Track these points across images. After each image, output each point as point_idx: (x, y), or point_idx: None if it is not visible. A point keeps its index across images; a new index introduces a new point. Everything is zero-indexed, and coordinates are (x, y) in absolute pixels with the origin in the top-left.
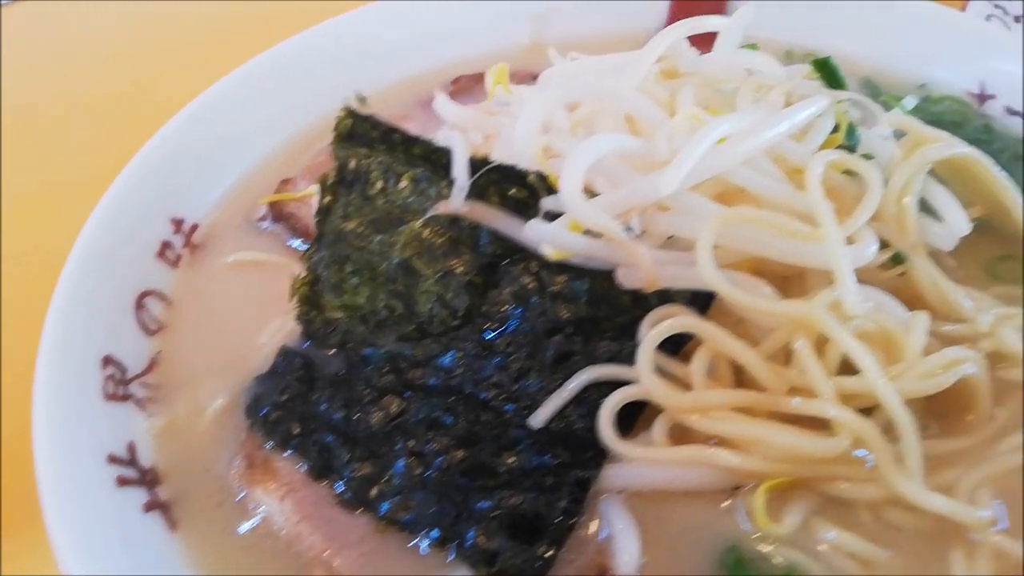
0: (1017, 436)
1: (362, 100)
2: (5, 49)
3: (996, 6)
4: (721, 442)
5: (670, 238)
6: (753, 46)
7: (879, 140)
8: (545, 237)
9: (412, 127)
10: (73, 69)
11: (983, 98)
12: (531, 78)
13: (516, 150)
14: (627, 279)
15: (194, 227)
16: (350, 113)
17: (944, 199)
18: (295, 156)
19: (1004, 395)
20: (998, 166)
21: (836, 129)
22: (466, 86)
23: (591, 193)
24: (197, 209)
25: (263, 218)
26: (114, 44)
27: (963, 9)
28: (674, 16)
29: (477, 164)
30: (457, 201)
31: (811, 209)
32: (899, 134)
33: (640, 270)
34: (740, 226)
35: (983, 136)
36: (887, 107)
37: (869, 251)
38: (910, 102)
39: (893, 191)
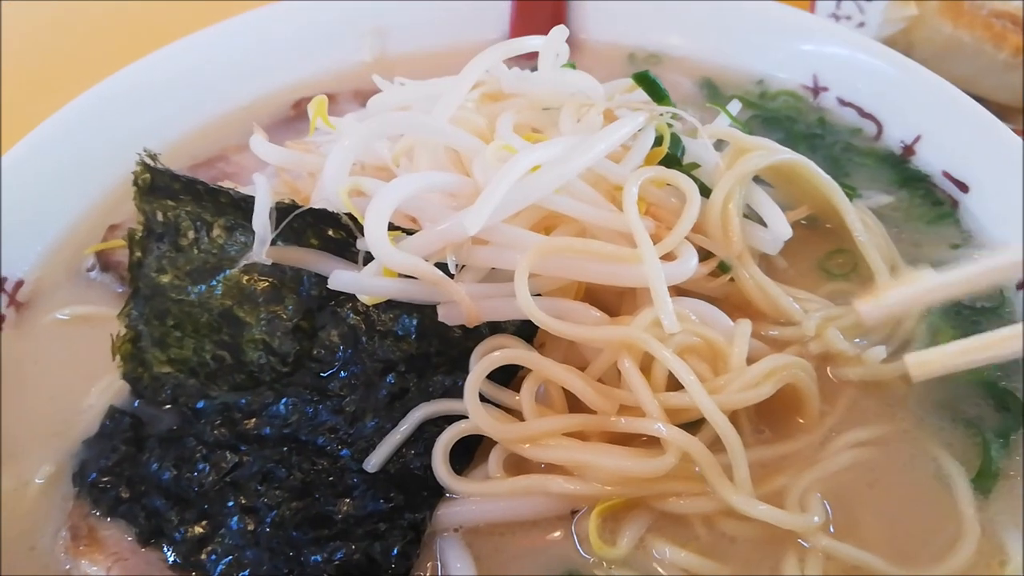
0: (846, 435)
1: (153, 156)
2: None
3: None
4: (555, 468)
5: (493, 269)
6: (572, 65)
7: (704, 149)
8: (352, 287)
9: (231, 167)
10: None
11: (817, 91)
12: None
13: (326, 193)
14: (448, 316)
15: (19, 284)
16: (147, 167)
17: (767, 205)
18: (121, 200)
19: (834, 394)
20: (831, 159)
21: (660, 142)
22: (306, 109)
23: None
24: (21, 265)
25: (91, 268)
26: None
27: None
28: (515, 17)
29: (286, 210)
30: (258, 253)
31: (630, 229)
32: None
33: (460, 307)
34: (557, 256)
35: (817, 130)
36: (720, 107)
37: (688, 267)
38: (735, 107)
39: (716, 202)
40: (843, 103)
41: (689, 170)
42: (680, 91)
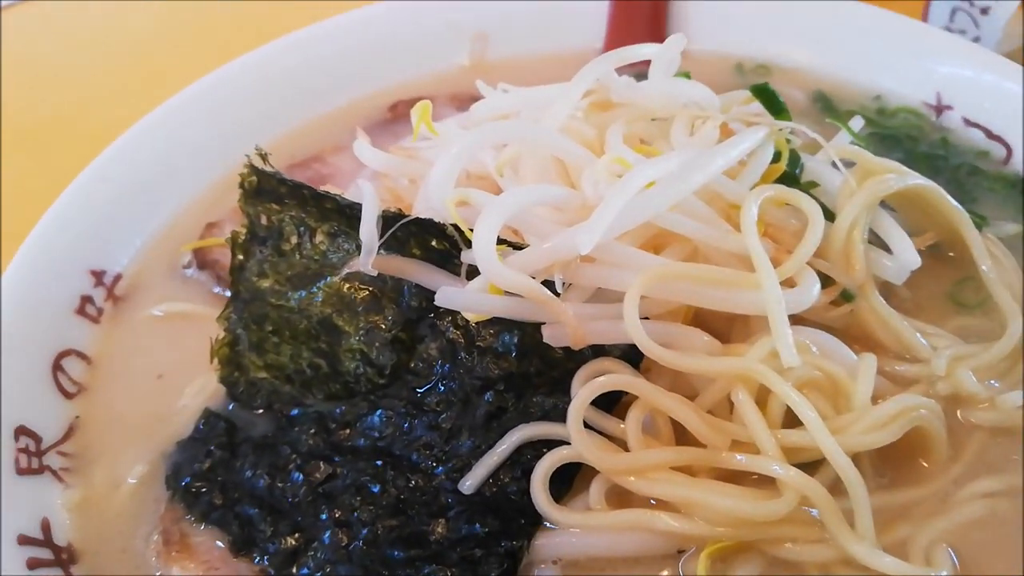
0: (976, 484)
1: (263, 156)
2: None
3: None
4: (661, 504)
5: (599, 288)
6: (686, 74)
7: (824, 167)
8: (459, 304)
9: (328, 168)
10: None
11: (940, 109)
12: (472, 101)
13: (431, 202)
14: (553, 337)
15: (117, 278)
16: (254, 170)
17: (894, 232)
18: (220, 198)
19: (963, 438)
20: (955, 182)
21: (778, 158)
22: (403, 112)
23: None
24: (119, 259)
25: (188, 265)
26: (37, 73)
27: (926, 7)
28: (613, 19)
29: (392, 218)
30: (365, 264)
31: (746, 254)
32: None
33: (566, 328)
34: (670, 280)
35: (939, 151)
36: (841, 123)
37: (810, 295)
38: (857, 123)
39: (841, 228)
40: (969, 123)
41: (808, 189)
42: (792, 105)
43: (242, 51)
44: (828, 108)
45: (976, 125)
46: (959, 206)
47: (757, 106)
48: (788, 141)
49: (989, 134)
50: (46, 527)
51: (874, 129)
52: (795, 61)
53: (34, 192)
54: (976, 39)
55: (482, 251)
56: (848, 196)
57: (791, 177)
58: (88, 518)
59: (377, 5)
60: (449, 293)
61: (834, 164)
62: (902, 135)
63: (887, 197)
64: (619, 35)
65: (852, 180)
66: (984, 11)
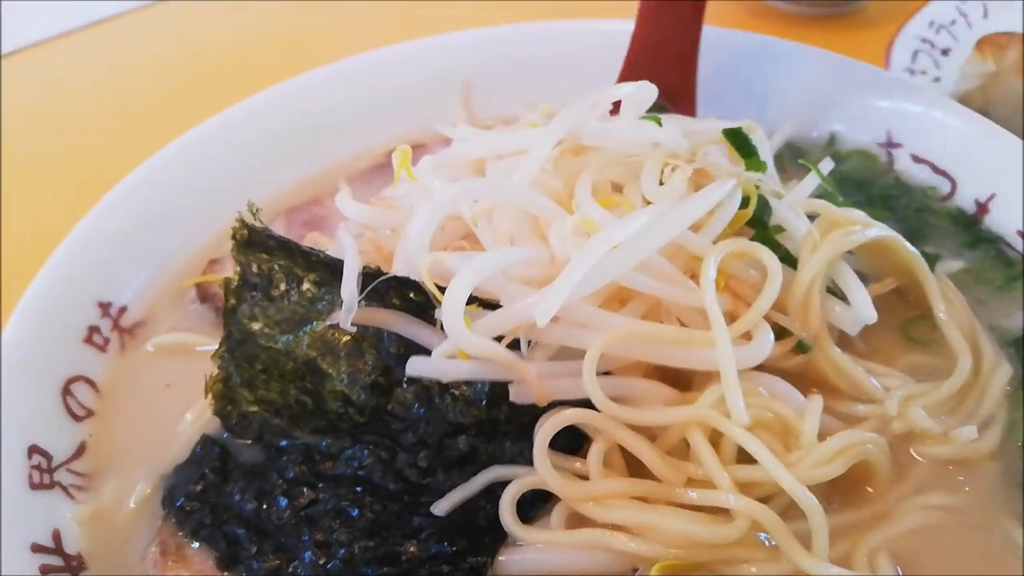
0: (916, 499)
1: (254, 212)
2: None
3: (924, 40)
4: (619, 527)
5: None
6: (657, 119)
7: (791, 212)
8: (430, 372)
9: (325, 211)
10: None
11: (891, 146)
12: None
13: (408, 261)
14: (519, 396)
15: (122, 310)
16: (244, 224)
17: (853, 285)
18: (223, 236)
19: (908, 469)
20: (905, 220)
21: (746, 204)
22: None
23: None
24: (125, 291)
25: (193, 300)
26: (48, 113)
27: (888, 49)
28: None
29: (372, 275)
30: (344, 320)
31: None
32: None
33: (530, 388)
34: (628, 339)
35: (893, 192)
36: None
37: (763, 350)
38: (827, 165)
39: (802, 283)
40: (917, 159)
41: (775, 233)
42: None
43: (246, 95)
44: (798, 156)
45: (924, 161)
46: (917, 253)
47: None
48: (757, 187)
49: (935, 169)
50: (56, 537)
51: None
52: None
53: (42, 230)
54: (937, 79)
55: (450, 320)
56: (811, 250)
57: (759, 221)
58: (96, 531)
59: (379, 51)
60: (420, 363)
61: (801, 213)
62: (856, 179)
63: (855, 248)
64: (648, 33)
65: (815, 233)
66: (945, 52)
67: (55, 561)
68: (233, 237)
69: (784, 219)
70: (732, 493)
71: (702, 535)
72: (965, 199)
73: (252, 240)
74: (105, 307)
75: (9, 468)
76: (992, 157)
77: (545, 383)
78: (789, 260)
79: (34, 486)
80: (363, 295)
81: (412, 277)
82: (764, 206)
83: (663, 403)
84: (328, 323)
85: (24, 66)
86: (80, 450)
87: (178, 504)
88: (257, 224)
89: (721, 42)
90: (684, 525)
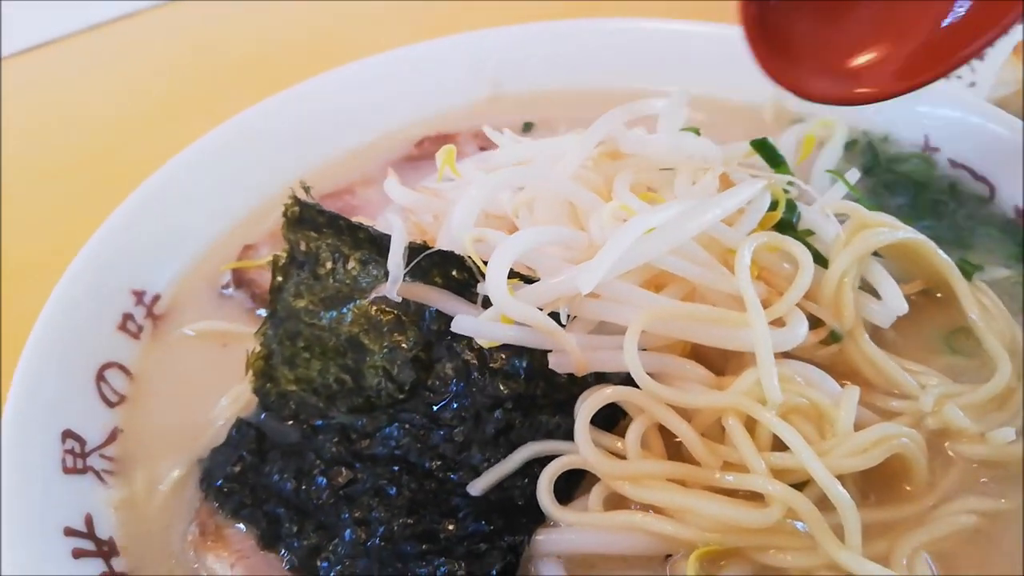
0: (957, 502)
1: (307, 189)
2: None
3: None
4: (655, 510)
5: (602, 322)
6: (695, 130)
7: (820, 216)
8: (473, 331)
9: (357, 199)
10: (42, 136)
11: (929, 150)
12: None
13: (453, 237)
14: (558, 365)
15: (156, 298)
16: (297, 201)
17: (883, 280)
18: (257, 222)
19: (948, 467)
20: (955, 227)
21: (775, 207)
22: (428, 149)
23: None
24: (159, 280)
25: (227, 285)
26: (83, 112)
27: None
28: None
29: (417, 249)
30: (391, 290)
31: (740, 295)
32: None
33: (570, 356)
34: (666, 317)
35: (945, 197)
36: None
37: (797, 335)
38: (854, 176)
39: (833, 276)
40: (955, 164)
41: (804, 236)
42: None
43: (258, 95)
44: (873, 152)
45: (962, 166)
46: (947, 258)
47: (759, 159)
48: (786, 191)
49: (974, 175)
50: (89, 522)
51: (887, 175)
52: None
53: (77, 220)
54: (972, 84)
55: (494, 284)
56: (840, 248)
57: (788, 224)
58: (129, 516)
59: (402, 49)
60: (464, 321)
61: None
62: (913, 180)
63: (881, 249)
64: None
65: (843, 233)
66: (980, 57)
67: (87, 545)
68: (284, 214)
69: (813, 223)
70: (768, 479)
71: (739, 518)
72: (1005, 204)
73: (302, 217)
74: (139, 295)
75: (45, 452)
76: None
77: (584, 354)
78: (820, 261)
79: (67, 470)
80: (408, 269)
81: (456, 253)
82: (792, 209)
83: (699, 383)
84: (373, 296)
85: (27, 68)
86: (113, 436)
87: (217, 485)
88: (308, 200)
89: None
90: (721, 509)
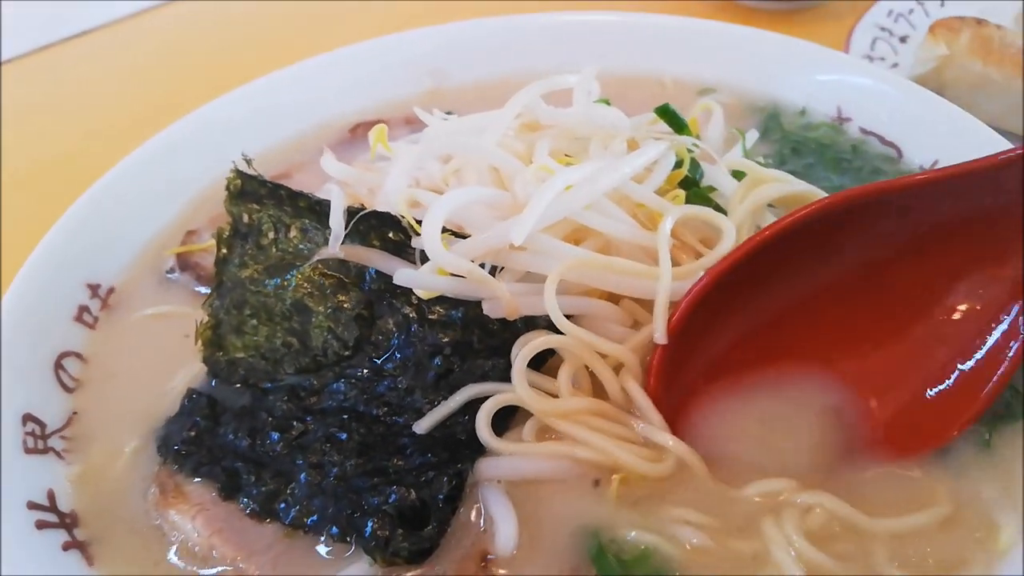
0: None
1: (248, 161)
2: None
3: (882, 28)
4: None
5: (528, 273)
6: (606, 101)
7: (721, 174)
8: (411, 282)
9: (293, 184)
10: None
11: (841, 120)
12: (423, 124)
13: (389, 200)
14: (492, 310)
15: (110, 290)
16: (239, 173)
17: None
18: (198, 210)
19: None
20: (859, 180)
21: (680, 165)
22: (361, 134)
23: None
24: (111, 273)
25: (171, 269)
26: (34, 116)
27: (849, 36)
28: None
29: (355, 212)
30: (333, 247)
31: (654, 248)
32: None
33: (501, 302)
34: (584, 268)
35: (846, 155)
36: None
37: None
38: (752, 136)
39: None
40: (865, 132)
41: (706, 192)
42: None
43: (217, 90)
44: (775, 119)
45: (872, 133)
46: None
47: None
48: (690, 151)
49: (883, 140)
50: (51, 496)
51: (797, 139)
52: (730, 83)
53: (32, 222)
54: (895, 65)
55: (429, 240)
56: (739, 202)
57: (692, 181)
58: (88, 488)
59: (341, 50)
60: (406, 274)
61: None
62: (820, 143)
63: (776, 202)
64: None
65: (740, 188)
66: (903, 39)
67: (50, 518)
68: (227, 187)
69: (716, 180)
70: (666, 433)
71: (641, 469)
72: (911, 165)
73: (244, 190)
74: (94, 288)
75: (6, 434)
76: (934, 126)
77: (514, 299)
78: (721, 212)
79: (28, 451)
80: (348, 230)
81: (392, 214)
82: (696, 167)
83: (616, 322)
84: (316, 260)
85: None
86: (71, 419)
87: (174, 450)
88: (251, 172)
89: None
90: (628, 457)
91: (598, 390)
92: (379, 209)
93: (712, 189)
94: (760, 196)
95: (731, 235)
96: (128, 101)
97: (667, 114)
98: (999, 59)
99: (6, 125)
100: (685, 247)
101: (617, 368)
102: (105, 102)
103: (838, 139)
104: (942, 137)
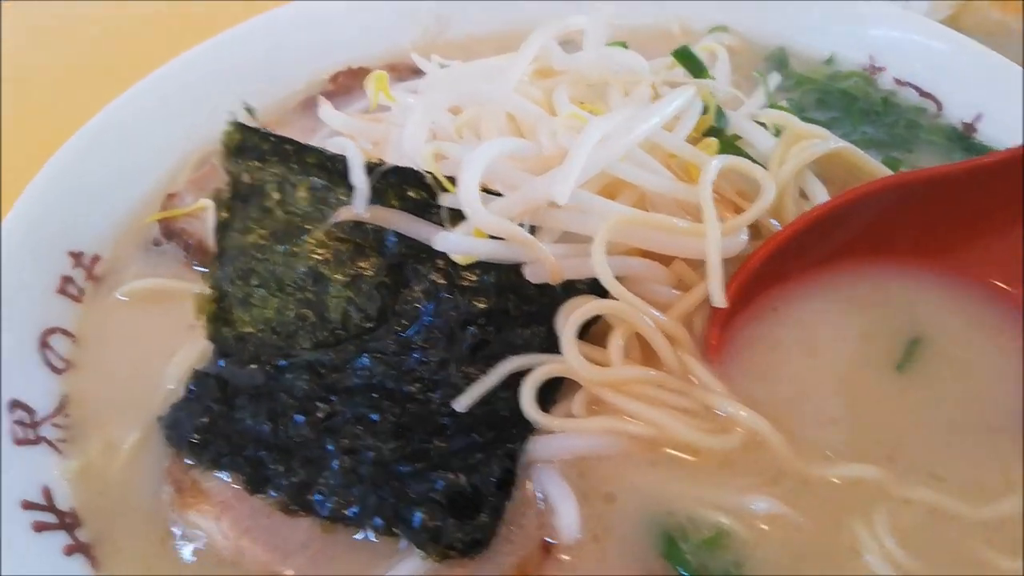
0: None
1: (250, 111)
2: None
3: None
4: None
5: (564, 232)
6: (623, 44)
7: (746, 122)
8: (453, 247)
9: (290, 132)
10: None
11: (874, 70)
12: (412, 72)
13: (407, 155)
14: (534, 275)
15: (95, 259)
16: (239, 127)
17: (817, 191)
18: (178, 172)
19: None
20: (892, 135)
21: (705, 111)
22: (344, 84)
23: (488, 193)
24: (96, 240)
25: (157, 241)
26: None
27: None
28: None
29: (372, 168)
30: (359, 206)
31: (692, 202)
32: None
33: (545, 266)
34: (631, 226)
35: (877, 108)
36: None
37: (739, 240)
38: (774, 79)
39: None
40: (900, 83)
41: (732, 141)
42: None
43: (190, 44)
44: (783, 64)
45: (908, 84)
46: (876, 162)
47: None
48: (713, 96)
49: (920, 92)
50: (47, 494)
51: (821, 88)
52: (748, 27)
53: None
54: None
55: (468, 198)
56: (779, 164)
57: (716, 130)
58: (88, 485)
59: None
60: (446, 238)
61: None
62: (849, 94)
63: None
64: None
65: (779, 146)
66: None
67: (48, 518)
68: (223, 144)
69: (741, 128)
70: (731, 400)
71: (702, 443)
72: (953, 119)
73: (243, 145)
74: (77, 256)
75: None
76: (976, 76)
77: (557, 263)
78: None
79: (19, 442)
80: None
81: (414, 169)
82: (720, 115)
83: (662, 283)
84: (331, 222)
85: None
86: (63, 404)
87: (188, 440)
88: (252, 124)
89: None
90: (686, 431)
91: (648, 358)
92: (395, 159)
93: (737, 137)
94: (801, 156)
95: (771, 190)
96: (95, 55)
97: (686, 57)
98: (1016, 7)
99: None
100: (723, 200)
101: (670, 336)
102: (76, 55)
103: (868, 90)
104: (984, 87)
